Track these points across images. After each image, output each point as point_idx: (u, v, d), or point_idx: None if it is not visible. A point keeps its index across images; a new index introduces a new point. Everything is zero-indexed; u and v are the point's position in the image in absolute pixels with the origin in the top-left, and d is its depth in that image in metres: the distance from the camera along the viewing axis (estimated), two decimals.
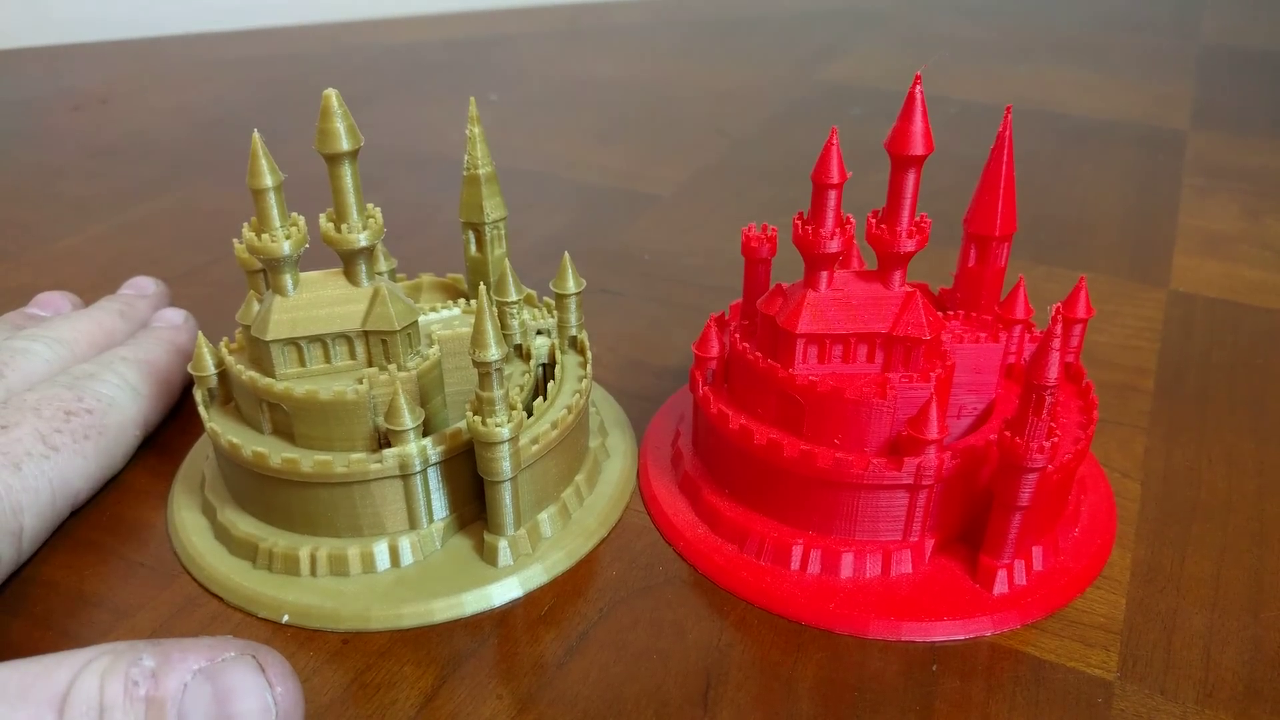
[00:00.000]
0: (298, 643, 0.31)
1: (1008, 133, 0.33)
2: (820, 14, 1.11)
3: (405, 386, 0.32)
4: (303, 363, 0.33)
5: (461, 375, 0.35)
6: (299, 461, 0.31)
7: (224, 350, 0.35)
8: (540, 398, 0.35)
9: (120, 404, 0.37)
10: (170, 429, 0.41)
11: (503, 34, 1.03)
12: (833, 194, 0.31)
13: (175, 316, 0.43)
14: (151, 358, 0.40)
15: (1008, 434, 0.29)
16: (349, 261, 0.33)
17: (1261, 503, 0.37)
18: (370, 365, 0.33)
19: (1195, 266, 0.55)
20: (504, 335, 0.35)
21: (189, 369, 0.35)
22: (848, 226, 0.32)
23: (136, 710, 0.23)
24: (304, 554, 0.33)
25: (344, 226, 0.32)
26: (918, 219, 0.32)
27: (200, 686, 0.24)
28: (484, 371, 0.30)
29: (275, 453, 0.32)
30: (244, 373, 0.33)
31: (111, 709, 0.23)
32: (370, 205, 0.33)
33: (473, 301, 0.38)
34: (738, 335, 0.35)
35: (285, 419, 0.33)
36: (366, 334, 0.33)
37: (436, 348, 0.34)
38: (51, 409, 0.35)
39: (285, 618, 0.31)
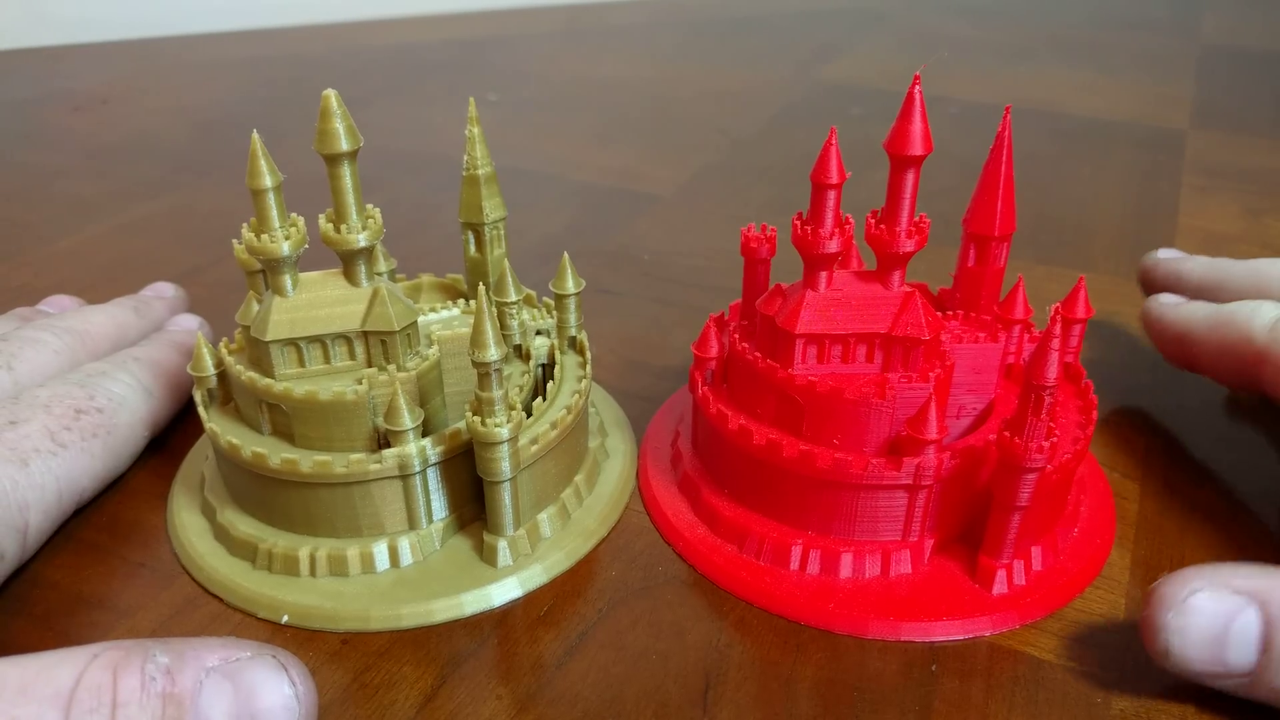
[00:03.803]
0: (297, 643, 0.31)
1: (1007, 133, 0.33)
2: (820, 14, 1.11)
3: (404, 387, 0.32)
4: (302, 363, 0.33)
5: (461, 375, 0.35)
6: (298, 462, 0.31)
7: (223, 350, 0.35)
8: (540, 398, 0.35)
9: (131, 404, 0.37)
10: (172, 429, 0.41)
11: (503, 34, 1.03)
12: (832, 194, 0.31)
13: (190, 322, 0.43)
14: (164, 358, 0.40)
15: (1007, 434, 0.29)
16: (348, 262, 0.33)
17: (1261, 502, 0.37)
18: (370, 366, 0.33)
19: None
20: (503, 335, 0.35)
21: (188, 369, 0.35)
22: (847, 227, 0.32)
23: (153, 706, 0.22)
24: (303, 554, 0.33)
25: (343, 227, 0.32)
26: (917, 219, 0.32)
27: (218, 684, 0.24)
28: (483, 372, 0.30)
29: (275, 453, 0.32)
30: (243, 373, 0.33)
31: (127, 704, 0.22)
32: (370, 206, 0.33)
33: (472, 302, 0.38)
34: (737, 335, 0.35)
35: (285, 419, 0.33)
36: (366, 334, 0.33)
37: (436, 348, 0.34)
38: (62, 406, 0.34)
39: (285, 618, 0.32)
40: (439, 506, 0.34)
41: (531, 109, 0.81)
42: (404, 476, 0.32)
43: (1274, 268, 0.39)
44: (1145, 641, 0.28)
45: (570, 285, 0.38)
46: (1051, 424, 0.29)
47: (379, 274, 0.35)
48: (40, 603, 0.32)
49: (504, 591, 0.32)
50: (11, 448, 0.32)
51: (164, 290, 0.45)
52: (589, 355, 0.38)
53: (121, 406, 0.36)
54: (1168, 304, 0.40)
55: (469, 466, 0.33)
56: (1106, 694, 0.29)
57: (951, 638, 0.31)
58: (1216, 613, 0.27)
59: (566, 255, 0.37)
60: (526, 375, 0.36)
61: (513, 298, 0.37)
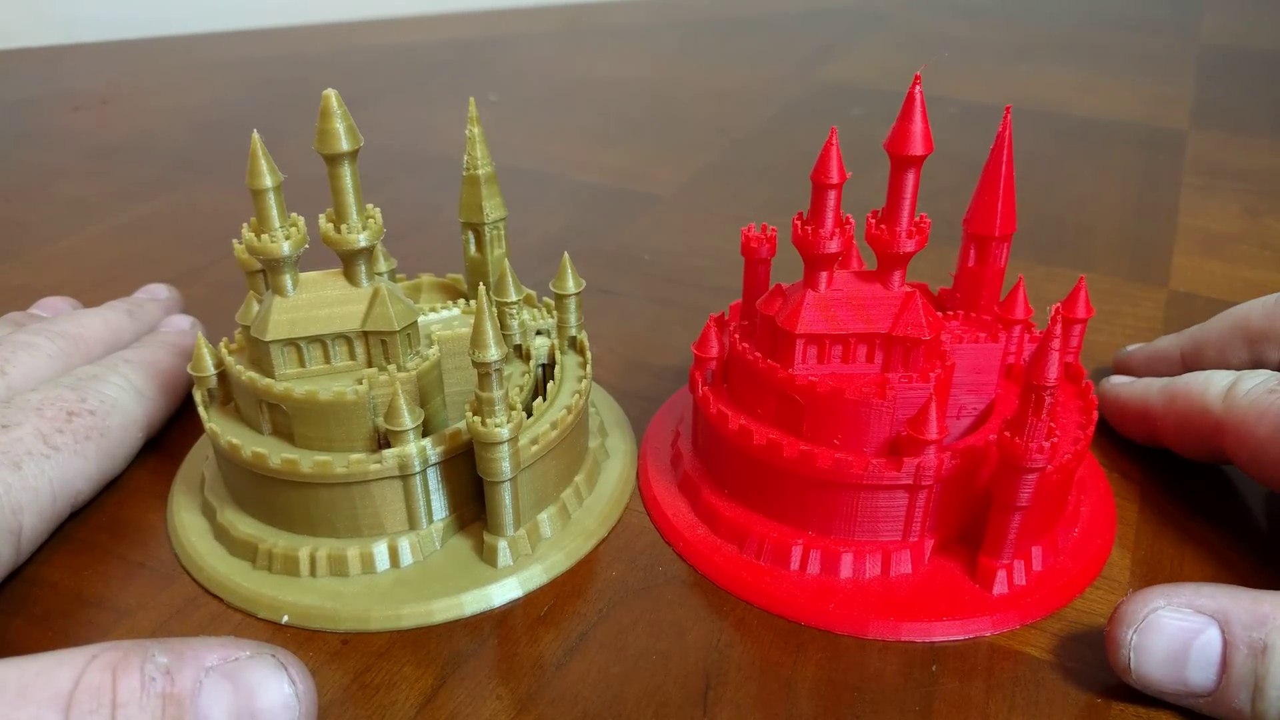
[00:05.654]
0: (297, 643, 0.31)
1: (1007, 133, 0.33)
2: (820, 14, 1.11)
3: (405, 387, 0.32)
4: (302, 363, 0.33)
5: (461, 375, 0.35)
6: (298, 462, 0.31)
7: (223, 350, 0.35)
8: (540, 398, 0.35)
9: (123, 406, 0.37)
10: (171, 429, 0.41)
11: (503, 34, 1.03)
12: (832, 194, 0.31)
13: (183, 322, 0.43)
14: (156, 360, 0.40)
15: (1007, 434, 0.29)
16: (348, 262, 0.33)
17: (1260, 502, 0.37)
18: (370, 366, 0.33)
19: (1195, 266, 0.55)
20: (503, 336, 0.35)
21: (188, 369, 0.35)
22: (847, 227, 0.32)
23: (152, 707, 0.22)
24: (303, 555, 0.33)
25: (344, 227, 0.32)
26: (917, 219, 0.32)
27: (218, 684, 0.24)
28: (483, 372, 0.30)
29: (275, 453, 0.32)
30: (243, 373, 0.33)
31: (126, 705, 0.22)
32: (370, 206, 0.33)
33: (472, 302, 0.38)
34: (737, 335, 0.35)
35: (285, 419, 0.33)
36: (366, 334, 0.33)
37: (436, 348, 0.34)
38: (54, 409, 0.35)
39: (285, 618, 0.31)
40: (439, 506, 0.34)
41: (531, 109, 0.81)
42: (404, 476, 0.32)
43: (1249, 308, 0.38)
44: (1109, 657, 0.28)
45: (570, 285, 0.38)
46: (1052, 424, 0.29)
47: (379, 274, 0.35)
48: (40, 603, 0.32)
49: (504, 592, 0.32)
50: (4, 451, 0.32)
51: (157, 292, 0.46)
52: (589, 355, 0.38)
53: (114, 409, 0.36)
54: (1120, 383, 0.39)
55: (469, 466, 0.33)
56: (1106, 694, 0.29)
57: (952, 638, 0.31)
58: (1177, 631, 0.27)
59: (567, 255, 0.37)
60: (526, 375, 0.36)
61: (513, 298, 0.37)
